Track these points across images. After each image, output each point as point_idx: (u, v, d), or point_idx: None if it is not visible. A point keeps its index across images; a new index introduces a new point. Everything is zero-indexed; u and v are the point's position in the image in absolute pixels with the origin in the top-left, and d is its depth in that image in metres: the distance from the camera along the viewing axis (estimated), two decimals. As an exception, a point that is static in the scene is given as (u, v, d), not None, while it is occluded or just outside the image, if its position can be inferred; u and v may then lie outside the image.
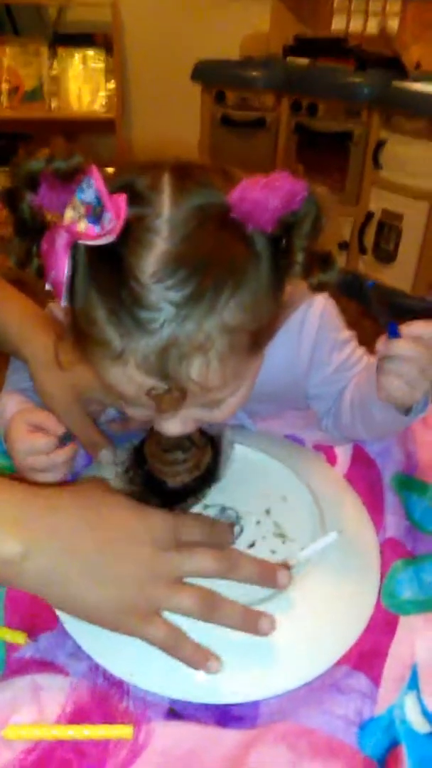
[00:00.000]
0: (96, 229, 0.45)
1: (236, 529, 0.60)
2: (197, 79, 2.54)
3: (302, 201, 0.47)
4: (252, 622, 0.50)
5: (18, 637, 0.52)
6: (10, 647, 0.51)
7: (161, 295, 0.46)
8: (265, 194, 0.47)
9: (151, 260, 0.46)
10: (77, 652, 0.51)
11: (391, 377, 0.59)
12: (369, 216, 2.35)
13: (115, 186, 0.47)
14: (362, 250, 2.41)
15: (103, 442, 0.68)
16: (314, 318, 0.70)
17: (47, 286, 0.50)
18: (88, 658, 0.51)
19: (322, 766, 0.44)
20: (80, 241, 0.47)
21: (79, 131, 2.77)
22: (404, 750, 0.45)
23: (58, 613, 0.53)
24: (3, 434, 0.68)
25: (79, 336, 0.51)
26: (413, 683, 0.49)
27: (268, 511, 0.62)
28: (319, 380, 0.73)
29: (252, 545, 0.58)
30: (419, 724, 0.47)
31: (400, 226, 2.26)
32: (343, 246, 2.46)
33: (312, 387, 0.74)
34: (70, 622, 0.53)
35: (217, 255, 0.48)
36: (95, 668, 0.50)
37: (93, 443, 0.68)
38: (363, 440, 0.73)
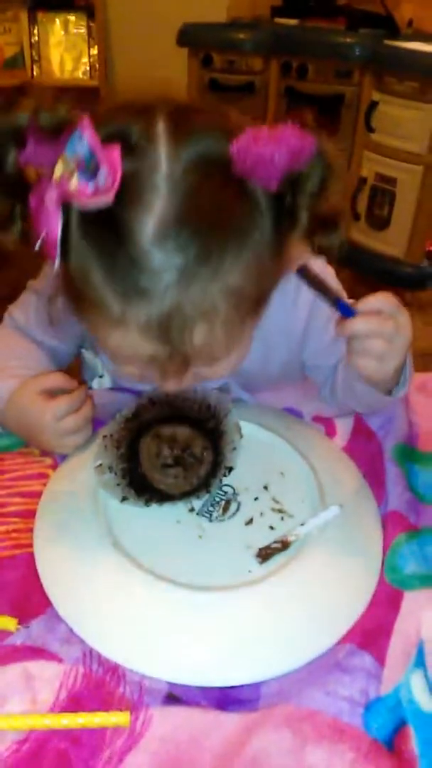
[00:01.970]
0: (89, 187, 0.42)
1: (233, 505, 0.58)
2: (183, 43, 2.46)
3: (310, 158, 0.44)
4: None
5: (8, 623, 0.50)
6: (0, 634, 0.49)
7: (163, 260, 0.43)
8: (270, 149, 0.43)
9: (151, 221, 0.43)
10: (70, 638, 0.49)
11: (359, 356, 0.56)
12: (362, 181, 2.31)
13: (105, 133, 0.44)
14: (355, 217, 2.37)
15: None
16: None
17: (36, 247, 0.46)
18: (82, 643, 0.49)
19: (327, 749, 0.42)
20: (74, 202, 0.44)
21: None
22: (412, 730, 0.43)
23: (50, 596, 0.51)
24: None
25: (75, 298, 0.49)
26: (420, 661, 0.47)
27: (266, 487, 0.60)
28: (316, 350, 0.70)
29: (250, 522, 0.56)
30: (427, 703, 0.45)
31: (393, 190, 2.21)
32: (336, 213, 2.41)
33: (309, 357, 0.72)
34: (62, 605, 0.51)
35: (221, 214, 0.45)
36: (89, 653, 0.48)
37: None
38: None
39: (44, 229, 0.45)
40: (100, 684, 0.47)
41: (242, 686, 0.47)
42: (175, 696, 0.46)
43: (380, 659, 0.47)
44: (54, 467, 0.64)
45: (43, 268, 0.70)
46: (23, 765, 0.42)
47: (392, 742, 0.43)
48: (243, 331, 0.51)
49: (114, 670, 0.47)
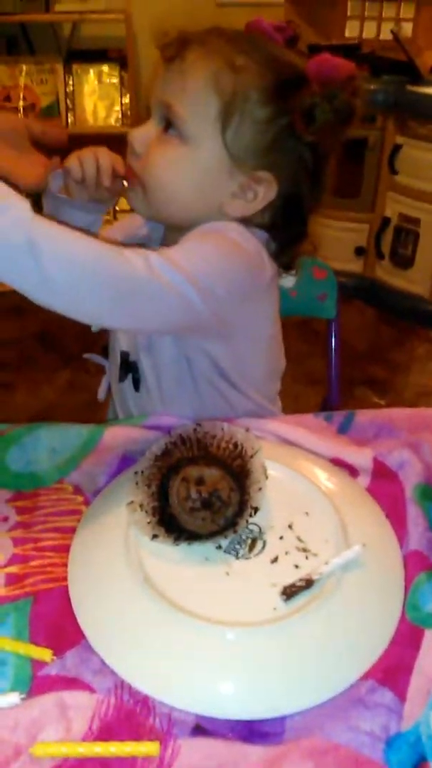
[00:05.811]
0: None
1: (259, 544, 0.60)
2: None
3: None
4: None
5: (44, 655, 0.52)
6: (36, 665, 0.52)
7: None
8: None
9: None
10: (102, 669, 0.52)
11: None
12: (385, 221, 2.35)
13: None
14: (380, 256, 2.40)
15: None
16: (227, 225, 0.75)
17: None
18: (114, 674, 0.51)
19: (349, 783, 0.44)
20: None
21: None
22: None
23: (83, 628, 0.54)
24: None
25: None
26: (440, 698, 0.49)
27: (290, 526, 0.62)
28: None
29: (275, 560, 0.58)
30: (447, 740, 0.46)
31: (417, 230, 2.25)
32: (360, 252, 2.45)
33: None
34: (95, 638, 0.53)
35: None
36: (121, 685, 0.51)
37: None
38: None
39: None
40: (131, 714, 0.49)
41: (267, 719, 0.49)
42: (202, 728, 0.48)
43: (401, 695, 0.49)
44: (86, 503, 0.67)
45: None
46: (59, 790, 0.44)
47: (413, 778, 0.44)
48: (208, 111, 0.70)
49: (144, 701, 0.50)
